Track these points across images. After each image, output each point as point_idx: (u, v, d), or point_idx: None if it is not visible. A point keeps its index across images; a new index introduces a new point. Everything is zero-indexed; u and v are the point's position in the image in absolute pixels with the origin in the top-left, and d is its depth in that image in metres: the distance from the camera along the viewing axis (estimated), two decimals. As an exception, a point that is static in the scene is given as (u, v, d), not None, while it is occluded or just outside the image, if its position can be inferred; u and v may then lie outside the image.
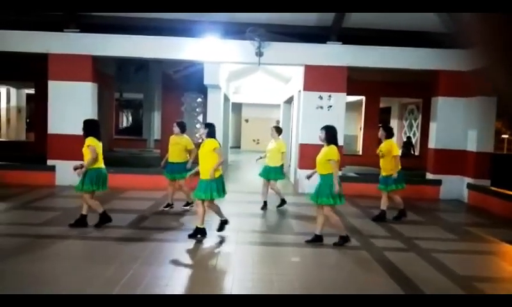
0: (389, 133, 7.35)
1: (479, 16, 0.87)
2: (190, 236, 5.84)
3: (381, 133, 7.42)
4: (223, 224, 6.14)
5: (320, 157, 5.65)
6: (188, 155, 7.49)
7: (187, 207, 7.70)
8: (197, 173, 6.01)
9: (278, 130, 8.20)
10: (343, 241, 5.69)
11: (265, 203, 8.13)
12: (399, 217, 7.43)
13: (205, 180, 5.73)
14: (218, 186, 5.78)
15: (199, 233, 5.86)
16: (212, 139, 5.85)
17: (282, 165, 8.11)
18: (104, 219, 6.28)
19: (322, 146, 5.81)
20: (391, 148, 7.15)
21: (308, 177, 6.12)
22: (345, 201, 5.73)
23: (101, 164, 6.24)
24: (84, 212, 6.23)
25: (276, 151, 7.96)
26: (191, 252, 5.32)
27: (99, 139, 6.22)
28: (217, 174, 5.74)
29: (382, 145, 7.29)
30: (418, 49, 9.86)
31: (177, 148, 7.46)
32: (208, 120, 10.90)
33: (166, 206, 7.69)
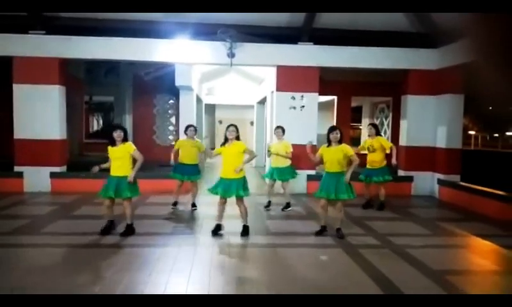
0: (378, 131, 8.40)
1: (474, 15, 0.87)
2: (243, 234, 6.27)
3: (370, 131, 8.32)
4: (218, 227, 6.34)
5: (337, 157, 5.99)
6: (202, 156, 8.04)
7: (195, 208, 8.08)
8: None
9: (283, 130, 8.05)
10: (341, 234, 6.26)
11: (269, 202, 8.32)
12: (380, 207, 8.38)
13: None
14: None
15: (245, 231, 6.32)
16: (240, 142, 6.12)
17: (287, 166, 8.03)
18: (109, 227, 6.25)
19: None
20: (384, 143, 8.17)
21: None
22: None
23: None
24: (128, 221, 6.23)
25: (282, 151, 7.88)
26: (168, 257, 5.22)
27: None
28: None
29: (373, 141, 8.17)
30: (388, 49, 10.04)
31: (193, 150, 7.82)
32: (181, 122, 10.79)
33: (174, 205, 8.15)
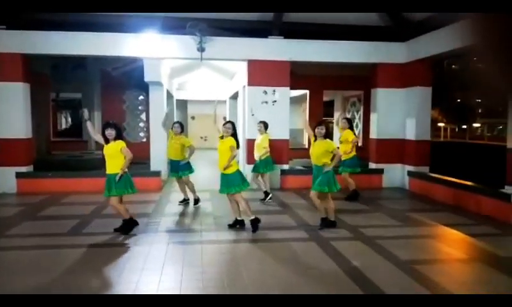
0: (351, 125, 8.81)
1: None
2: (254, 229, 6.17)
3: (344, 125, 8.63)
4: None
5: (316, 151, 6.12)
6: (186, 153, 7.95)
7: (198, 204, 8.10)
8: None
9: (266, 126, 8.54)
10: (325, 224, 6.32)
11: (265, 193, 8.44)
12: (351, 197, 8.55)
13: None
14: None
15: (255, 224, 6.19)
16: (231, 138, 6.08)
17: (267, 158, 8.41)
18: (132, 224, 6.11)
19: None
20: (348, 136, 8.44)
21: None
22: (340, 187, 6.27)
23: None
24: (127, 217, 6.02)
25: (261, 145, 8.37)
26: (140, 255, 5.12)
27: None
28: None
29: (343, 133, 8.58)
30: (357, 42, 10.12)
31: (177, 147, 7.84)
32: (152, 118, 10.61)
33: (182, 201, 8.19)
